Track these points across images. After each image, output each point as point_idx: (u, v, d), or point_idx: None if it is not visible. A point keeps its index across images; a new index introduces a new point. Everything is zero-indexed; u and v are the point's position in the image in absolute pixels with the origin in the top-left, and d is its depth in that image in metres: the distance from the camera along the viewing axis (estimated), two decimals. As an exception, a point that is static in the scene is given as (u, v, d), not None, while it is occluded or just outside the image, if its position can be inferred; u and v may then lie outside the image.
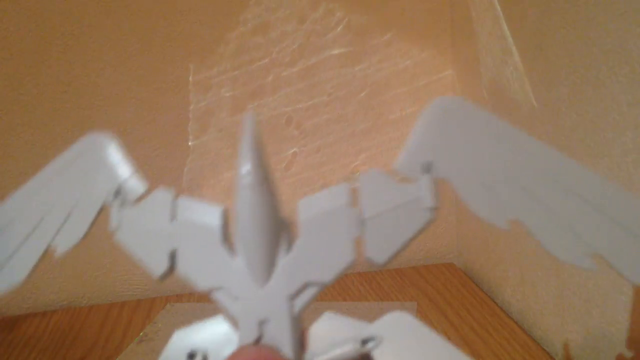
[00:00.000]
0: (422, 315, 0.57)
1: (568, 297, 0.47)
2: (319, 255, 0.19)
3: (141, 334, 0.56)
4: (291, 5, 0.64)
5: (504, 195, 0.18)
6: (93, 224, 0.21)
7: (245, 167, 0.18)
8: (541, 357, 0.49)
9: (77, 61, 0.62)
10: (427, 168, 0.18)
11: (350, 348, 0.18)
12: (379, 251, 0.19)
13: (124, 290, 0.69)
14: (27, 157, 0.63)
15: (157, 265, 0.20)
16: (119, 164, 0.21)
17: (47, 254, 0.21)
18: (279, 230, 0.19)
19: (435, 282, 0.65)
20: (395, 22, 0.66)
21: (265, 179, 0.18)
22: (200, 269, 0.19)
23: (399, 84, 0.68)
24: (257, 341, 0.18)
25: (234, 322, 0.19)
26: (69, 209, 0.21)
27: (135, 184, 0.21)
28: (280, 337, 0.18)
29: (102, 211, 0.21)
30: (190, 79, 0.64)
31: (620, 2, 0.37)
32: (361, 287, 0.65)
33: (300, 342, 0.18)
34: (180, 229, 0.20)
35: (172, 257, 0.20)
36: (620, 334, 0.41)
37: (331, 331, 0.19)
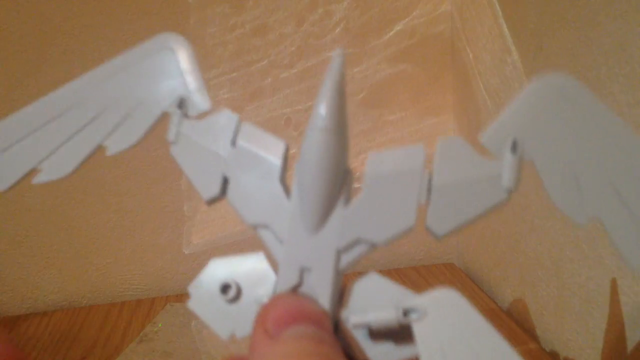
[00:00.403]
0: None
1: (568, 297, 0.47)
2: (378, 214, 0.18)
3: (141, 334, 0.56)
4: (289, 8, 0.64)
5: (590, 189, 0.17)
6: (150, 129, 0.20)
7: (322, 109, 0.17)
8: (541, 357, 0.49)
9: (77, 61, 0.62)
10: (515, 146, 0.17)
11: (390, 314, 0.17)
12: (441, 222, 0.17)
13: (124, 290, 0.69)
14: (27, 157, 0.63)
15: (208, 188, 0.19)
16: (189, 73, 0.20)
17: (97, 151, 0.20)
18: (342, 181, 0.18)
19: (435, 282, 0.65)
20: (393, 24, 0.66)
21: (339, 126, 0.17)
22: (251, 202, 0.18)
23: (398, 85, 0.68)
24: (295, 289, 0.18)
25: (275, 263, 0.18)
26: (128, 109, 0.20)
27: (200, 99, 0.20)
28: (321, 289, 0.17)
29: (162, 118, 0.20)
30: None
31: (620, 2, 0.37)
32: (361, 287, 0.65)
33: (339, 299, 0.18)
34: (239, 155, 0.19)
35: (225, 182, 0.19)
36: (620, 334, 0.41)
37: (374, 292, 0.18)
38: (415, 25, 0.67)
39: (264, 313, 0.17)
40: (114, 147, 0.20)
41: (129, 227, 0.66)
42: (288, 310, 0.17)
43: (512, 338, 0.52)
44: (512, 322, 0.55)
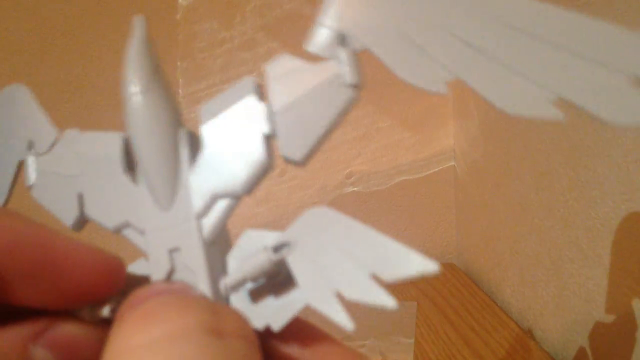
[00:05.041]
0: (422, 315, 0.57)
1: (568, 297, 0.47)
2: (225, 161, 0.16)
3: (141, 334, 0.56)
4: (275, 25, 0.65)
5: (436, 51, 0.15)
6: (13, 185, 0.19)
7: (129, 74, 0.16)
8: (541, 357, 0.49)
9: (77, 61, 0.62)
10: (342, 40, 0.15)
11: (262, 258, 0.15)
12: (295, 146, 0.16)
13: (123, 290, 0.69)
14: (27, 157, 0.63)
15: (68, 214, 0.18)
16: (29, 115, 0.19)
17: None
18: (177, 142, 0.17)
19: (435, 282, 0.65)
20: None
21: (153, 84, 0.16)
22: (105, 207, 0.17)
23: (393, 90, 0.68)
24: (170, 274, 0.16)
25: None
26: None
27: (45, 132, 0.19)
28: (194, 264, 0.16)
29: (21, 169, 0.19)
30: (180, 91, 0.65)
31: (620, 2, 0.37)
32: (361, 287, 0.65)
33: (222, 269, 0.16)
34: (84, 167, 0.18)
35: (81, 201, 0.18)
36: (620, 334, 0.41)
37: (250, 249, 0.16)
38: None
39: (119, 315, 0.15)
40: None
41: (129, 227, 0.66)
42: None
43: (512, 338, 0.52)
44: (512, 322, 0.55)
